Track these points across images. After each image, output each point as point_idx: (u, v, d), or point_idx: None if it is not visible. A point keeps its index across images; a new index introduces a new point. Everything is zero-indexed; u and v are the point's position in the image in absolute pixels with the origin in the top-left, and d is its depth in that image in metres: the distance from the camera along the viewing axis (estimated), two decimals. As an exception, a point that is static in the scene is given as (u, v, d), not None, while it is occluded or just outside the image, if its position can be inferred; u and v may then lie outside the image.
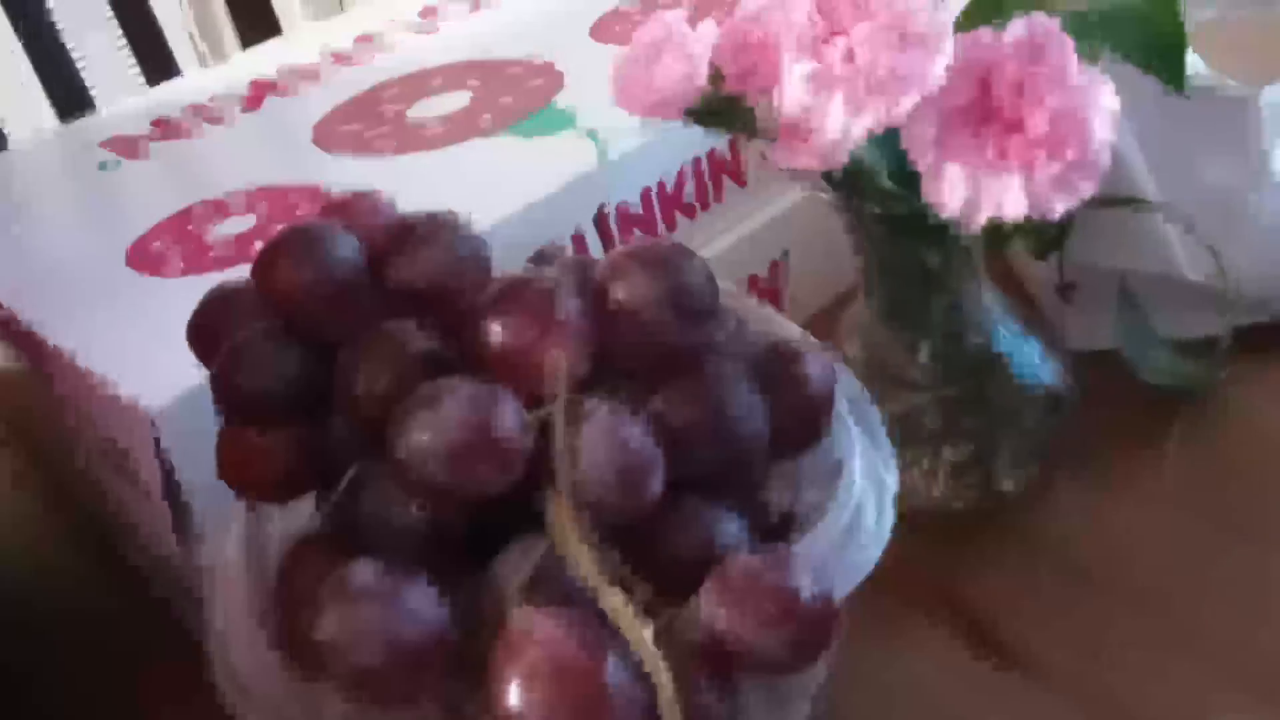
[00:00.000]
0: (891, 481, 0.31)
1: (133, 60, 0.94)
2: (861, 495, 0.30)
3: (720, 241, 0.51)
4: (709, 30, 0.32)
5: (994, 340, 0.40)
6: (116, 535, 0.49)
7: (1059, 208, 0.29)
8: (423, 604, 0.25)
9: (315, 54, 0.63)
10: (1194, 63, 0.42)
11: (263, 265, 0.31)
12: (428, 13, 0.66)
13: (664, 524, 0.28)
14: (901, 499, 0.40)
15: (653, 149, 0.47)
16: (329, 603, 0.24)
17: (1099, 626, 0.37)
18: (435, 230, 0.31)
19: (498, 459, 0.26)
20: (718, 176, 0.50)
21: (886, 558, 0.40)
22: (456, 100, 0.54)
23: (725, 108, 0.33)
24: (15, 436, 0.57)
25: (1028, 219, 0.41)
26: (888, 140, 0.35)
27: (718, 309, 0.29)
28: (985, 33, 0.29)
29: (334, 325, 0.31)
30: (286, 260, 0.31)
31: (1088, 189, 0.30)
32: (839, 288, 0.45)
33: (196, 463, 0.37)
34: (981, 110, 0.29)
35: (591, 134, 0.48)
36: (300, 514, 0.32)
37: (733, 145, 0.50)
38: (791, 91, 0.30)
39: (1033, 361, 0.40)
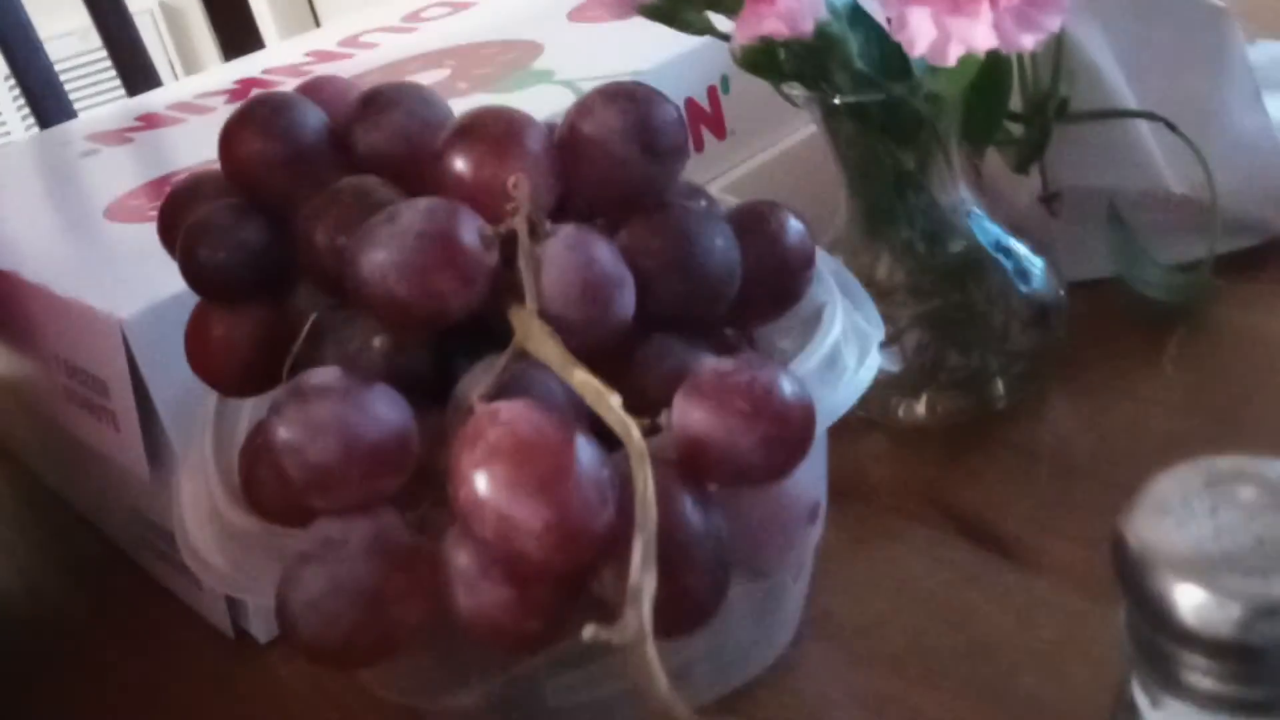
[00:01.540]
0: (875, 333, 0.30)
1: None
2: (840, 338, 0.29)
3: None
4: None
5: (976, 244, 0.39)
6: (91, 512, 0.48)
7: (1028, 41, 0.29)
8: (383, 404, 0.24)
9: (300, 56, 0.64)
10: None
11: (226, 135, 0.30)
12: (411, 17, 0.67)
13: (634, 356, 0.27)
14: (893, 415, 0.40)
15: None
16: (287, 401, 0.23)
17: (1095, 518, 0.36)
18: (398, 96, 0.31)
19: (459, 270, 0.25)
20: (696, 128, 0.50)
21: (877, 470, 0.40)
22: (435, 76, 0.55)
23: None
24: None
25: (1015, 141, 0.41)
26: (855, 17, 0.35)
27: (685, 148, 0.29)
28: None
29: (297, 195, 0.30)
30: (250, 129, 0.30)
31: (1053, 22, 0.29)
32: (822, 242, 0.45)
33: (166, 375, 0.37)
34: (942, -52, 0.29)
35: (568, 83, 0.48)
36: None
37: (712, 95, 0.49)
38: (753, -67, 0.29)
39: (1019, 266, 0.39)
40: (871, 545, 0.36)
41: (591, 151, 0.28)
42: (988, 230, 0.39)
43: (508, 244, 0.26)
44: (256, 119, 0.30)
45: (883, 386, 0.37)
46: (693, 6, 0.35)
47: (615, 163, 0.28)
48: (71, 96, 0.96)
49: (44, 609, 0.45)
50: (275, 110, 0.30)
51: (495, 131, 0.27)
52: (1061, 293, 0.39)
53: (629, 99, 0.28)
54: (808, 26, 0.32)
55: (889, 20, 0.31)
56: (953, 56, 0.29)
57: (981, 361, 0.40)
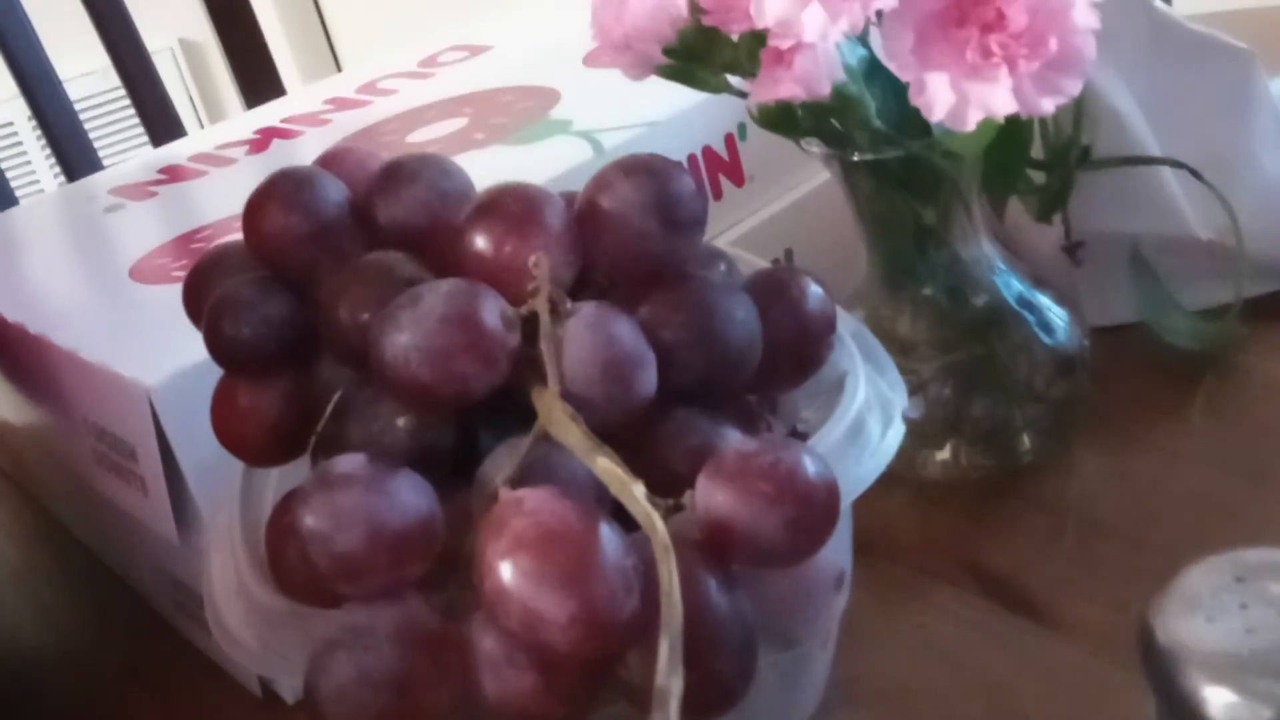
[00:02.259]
0: (899, 399, 0.30)
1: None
2: (864, 407, 0.29)
3: (718, 242, 0.50)
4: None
5: (999, 297, 0.39)
6: (122, 569, 0.48)
7: (1048, 105, 0.29)
8: (407, 492, 0.24)
9: (319, 103, 0.65)
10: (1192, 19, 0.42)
11: (250, 210, 0.31)
12: (427, 62, 0.68)
13: (655, 432, 0.27)
14: (921, 474, 0.40)
15: (647, 143, 0.47)
16: (313, 491, 0.23)
17: (1125, 579, 0.36)
18: (419, 169, 0.31)
19: (481, 352, 0.25)
20: (715, 175, 0.50)
21: (902, 526, 0.40)
22: (453, 125, 0.55)
23: (704, 41, 0.33)
24: (9, 484, 0.57)
25: (1037, 190, 0.41)
26: (873, 73, 0.35)
27: (704, 220, 0.29)
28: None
29: (320, 268, 0.30)
30: (273, 203, 0.31)
31: (1074, 86, 0.29)
32: (841, 289, 0.45)
33: (193, 441, 0.37)
34: (957, 13, 0.29)
35: (586, 134, 0.48)
36: (296, 477, 0.32)
37: (730, 142, 0.50)
38: (769, 2, 0.30)
39: (1043, 318, 0.39)
40: (898, 606, 0.36)
41: (611, 226, 0.28)
42: (1011, 283, 0.38)
43: (529, 323, 0.26)
44: (280, 194, 0.31)
45: (905, 437, 0.37)
46: (709, 69, 0.35)
47: (634, 237, 0.28)
48: (93, 135, 0.97)
49: (76, 663, 0.45)
50: (298, 185, 0.31)
51: (515, 210, 0.27)
52: (1086, 344, 0.39)
53: (647, 172, 0.28)
54: (825, 89, 0.32)
55: (907, 84, 0.31)
56: (972, 122, 0.29)
57: (1006, 414, 0.40)
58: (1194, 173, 0.39)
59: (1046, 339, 0.38)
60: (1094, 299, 0.40)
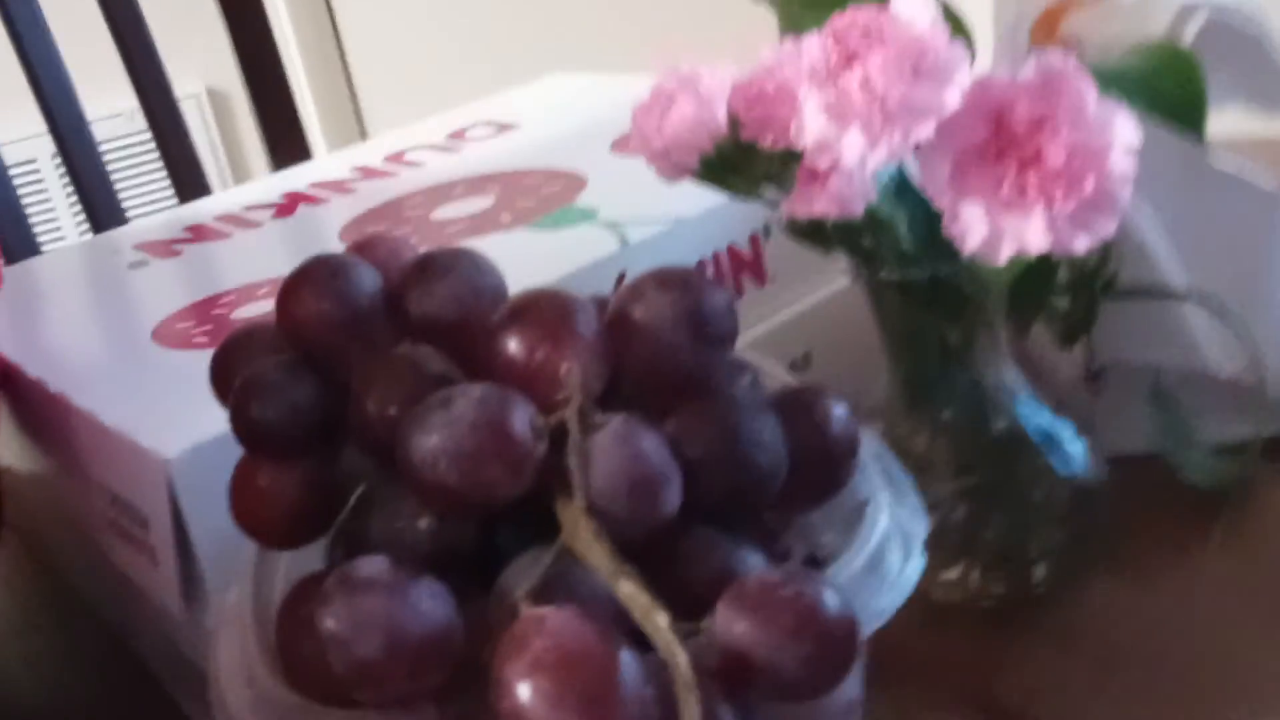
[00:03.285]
0: (919, 530, 0.30)
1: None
2: (885, 538, 0.29)
3: (738, 341, 0.50)
4: (725, 75, 0.33)
5: (1020, 422, 0.39)
6: (119, 628, 0.48)
7: (1080, 245, 0.29)
8: (428, 600, 0.24)
9: (347, 171, 0.65)
10: (1221, 154, 0.42)
11: (284, 294, 0.31)
12: (455, 135, 0.68)
13: (677, 550, 0.27)
14: (931, 594, 0.39)
15: (673, 239, 0.48)
16: (334, 593, 0.23)
17: (1140, 715, 0.35)
18: (453, 263, 0.31)
19: (509, 460, 0.25)
20: (738, 273, 0.50)
21: (915, 654, 0.39)
22: (478, 204, 0.56)
23: (741, 155, 0.33)
24: (14, 536, 0.56)
25: (1061, 316, 0.41)
26: (904, 190, 0.35)
27: (735, 336, 0.29)
28: (997, 76, 0.30)
29: (350, 356, 0.30)
30: (307, 289, 0.31)
31: (1108, 227, 0.30)
32: (859, 397, 0.45)
33: (208, 515, 0.37)
34: (996, 147, 0.30)
35: (612, 225, 0.49)
36: (308, 562, 0.32)
37: (754, 241, 0.50)
38: (809, 123, 0.30)
39: (1062, 447, 0.39)
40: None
41: (642, 337, 0.28)
42: (1031, 408, 0.39)
43: (557, 432, 0.26)
44: (314, 280, 0.31)
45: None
46: (743, 179, 0.36)
47: (665, 349, 0.28)
48: (116, 178, 0.98)
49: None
50: (333, 272, 0.31)
51: (549, 317, 0.27)
52: (1104, 474, 0.39)
53: (682, 286, 0.28)
54: (858, 209, 0.32)
55: (940, 211, 0.31)
56: (1004, 256, 0.30)
57: (1021, 541, 0.39)
58: (1218, 307, 0.40)
59: (1065, 467, 0.38)
60: (1113, 428, 0.40)
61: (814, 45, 0.31)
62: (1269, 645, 0.37)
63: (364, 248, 0.33)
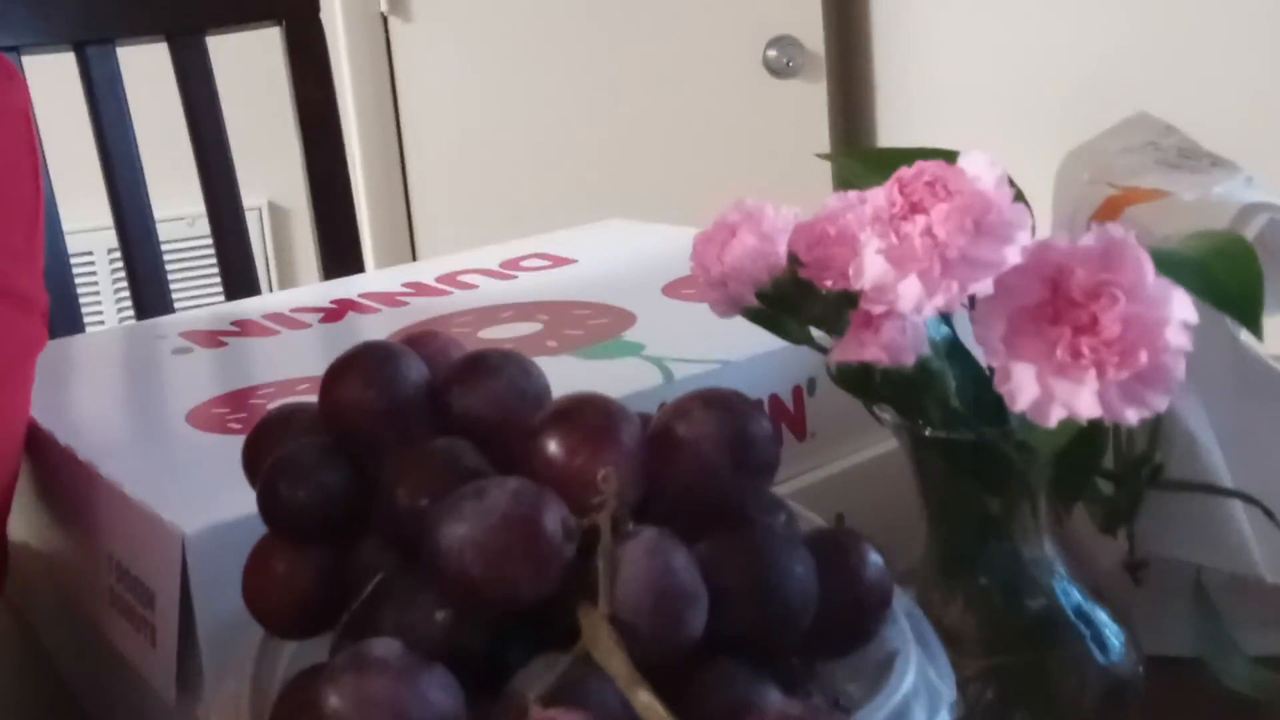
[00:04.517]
0: (947, 692, 0.29)
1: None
2: (911, 693, 0.28)
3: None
4: (788, 214, 0.33)
5: (1056, 604, 0.38)
6: (99, 713, 0.47)
7: (1131, 415, 0.29)
8: (438, 690, 0.23)
9: (398, 285, 0.66)
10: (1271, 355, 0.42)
11: (330, 376, 0.31)
12: (509, 264, 0.69)
13: (695, 680, 0.26)
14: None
15: (717, 379, 0.47)
16: (342, 670, 0.23)
17: None
18: (501, 364, 0.31)
19: (536, 558, 0.25)
20: (777, 425, 0.50)
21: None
22: (526, 328, 0.56)
23: (797, 293, 0.33)
24: (7, 613, 0.56)
25: (1104, 500, 0.40)
26: (953, 354, 0.35)
27: (775, 466, 0.29)
28: (1056, 240, 0.30)
29: (386, 446, 0.30)
30: (353, 374, 0.31)
31: (1160, 402, 0.29)
32: (894, 560, 0.44)
33: (216, 598, 0.36)
34: (1052, 311, 0.30)
35: (657, 360, 0.49)
36: (311, 659, 0.31)
37: (797, 394, 0.50)
38: (868, 266, 0.30)
39: (1099, 635, 0.38)
40: None
41: (683, 455, 0.28)
42: (1069, 591, 0.37)
43: (588, 537, 0.25)
44: (362, 366, 0.31)
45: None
46: (796, 320, 0.36)
47: (705, 471, 0.28)
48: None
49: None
50: (381, 361, 0.31)
51: (593, 422, 0.27)
52: (1140, 669, 0.37)
53: (727, 409, 0.28)
54: (909, 360, 0.32)
55: (990, 369, 0.31)
56: (1054, 418, 0.29)
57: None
58: (1268, 512, 0.39)
59: (1100, 657, 0.37)
60: (1151, 625, 0.39)
61: (879, 193, 0.31)
62: None
63: (415, 341, 0.33)
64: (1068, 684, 0.37)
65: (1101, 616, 0.37)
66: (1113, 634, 0.37)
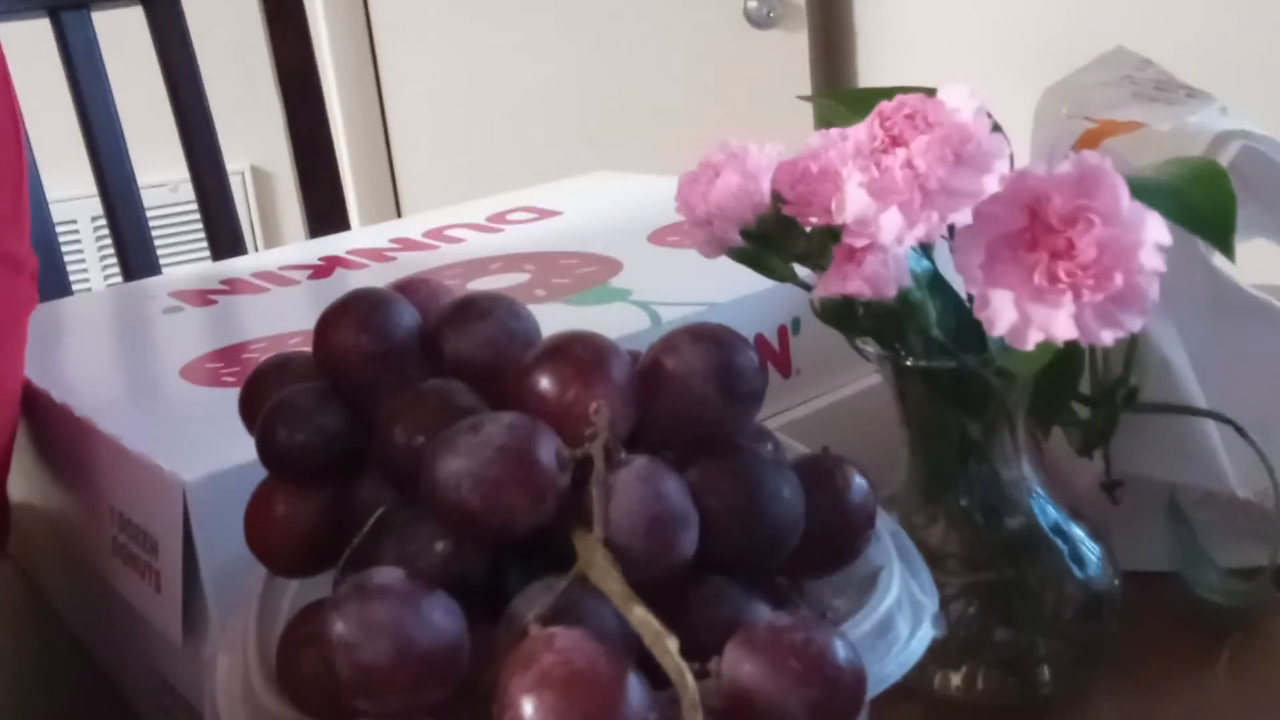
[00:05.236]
0: (929, 603, 0.30)
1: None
2: (894, 606, 0.29)
3: (759, 429, 0.51)
4: (772, 153, 0.34)
5: (1035, 522, 0.39)
6: (111, 668, 0.48)
7: (1106, 337, 0.30)
8: (440, 613, 0.24)
9: (385, 241, 0.67)
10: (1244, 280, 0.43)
11: (323, 323, 0.32)
12: (496, 218, 0.70)
13: (688, 597, 0.27)
14: (932, 687, 0.39)
15: (703, 320, 0.48)
16: (347, 597, 0.23)
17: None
18: (490, 307, 0.32)
19: (532, 488, 0.25)
20: (763, 364, 0.50)
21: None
22: (514, 279, 0.57)
23: (781, 230, 0.34)
24: (11, 565, 0.56)
25: (1081, 424, 0.41)
26: (933, 286, 0.36)
27: (762, 395, 0.29)
28: (1034, 168, 0.31)
29: (381, 389, 0.31)
30: (346, 320, 0.31)
31: (1135, 323, 0.30)
32: (878, 487, 0.45)
33: (218, 544, 0.37)
34: (1029, 237, 0.30)
35: (644, 304, 0.49)
36: (314, 596, 0.32)
37: (782, 334, 0.51)
38: (850, 199, 0.31)
39: (1076, 551, 0.39)
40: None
41: (672, 387, 0.28)
42: (1047, 510, 0.39)
43: (581, 467, 0.26)
44: (354, 312, 0.31)
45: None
46: (780, 256, 0.36)
47: (693, 401, 0.28)
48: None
49: None
50: (374, 306, 0.32)
51: (583, 357, 0.28)
52: (1116, 583, 0.38)
53: (714, 341, 0.29)
54: (891, 292, 0.33)
55: (969, 297, 0.32)
56: (1031, 342, 0.30)
57: (1029, 643, 0.39)
58: (1239, 430, 0.40)
59: (1078, 572, 0.38)
60: (1127, 542, 0.40)
61: (860, 129, 0.32)
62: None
63: (405, 287, 0.34)
64: (1047, 598, 0.38)
65: (1079, 534, 0.39)
66: (1090, 550, 0.38)
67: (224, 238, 1.03)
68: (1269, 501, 0.40)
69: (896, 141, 0.30)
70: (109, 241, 1.00)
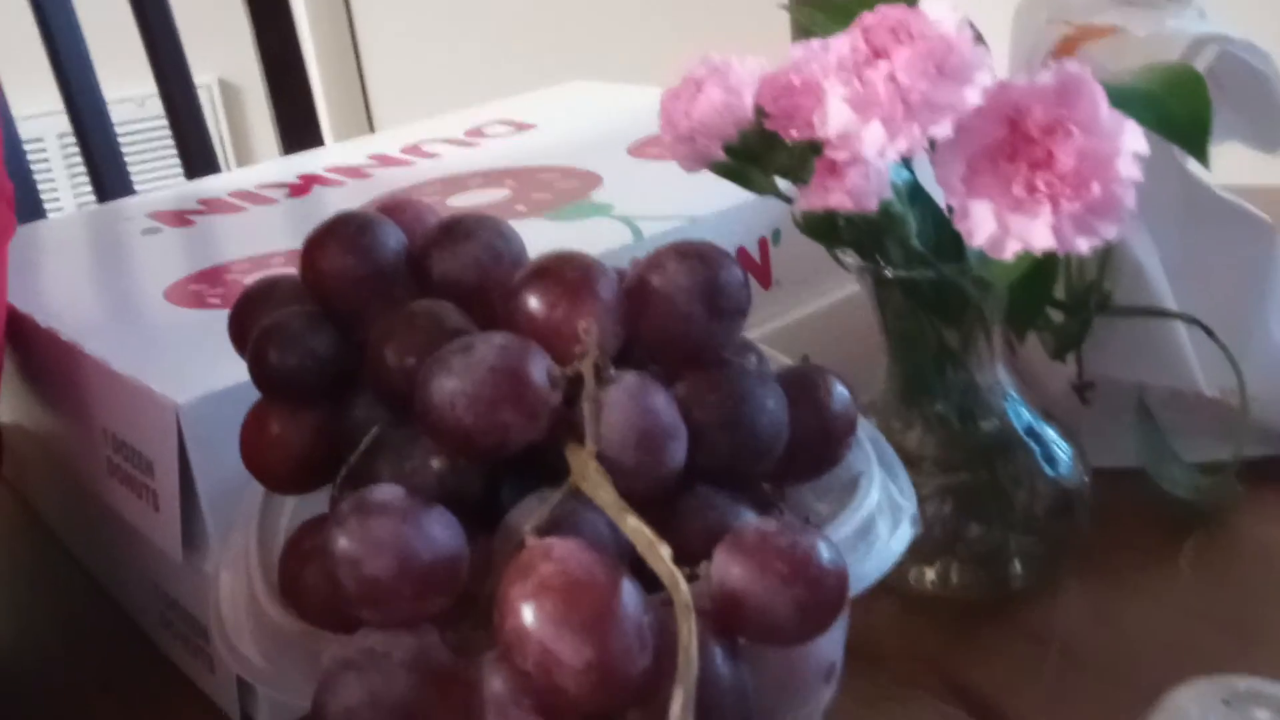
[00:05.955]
0: (908, 506, 0.31)
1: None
2: (875, 509, 0.30)
3: (740, 339, 0.52)
4: (754, 66, 0.34)
5: (1008, 424, 0.40)
6: (111, 585, 0.49)
7: (1083, 245, 0.31)
8: (439, 526, 0.25)
9: (363, 158, 0.66)
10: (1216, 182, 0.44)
11: (310, 247, 0.32)
12: (473, 132, 0.69)
13: (678, 506, 0.28)
14: (909, 583, 0.41)
15: (685, 236, 0.48)
16: (348, 514, 0.24)
17: (1101, 714, 0.36)
18: (477, 228, 0.32)
19: (525, 406, 0.26)
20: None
21: (887, 636, 0.40)
22: (494, 194, 0.57)
23: (763, 144, 0.34)
24: (6, 489, 0.57)
25: (1055, 328, 0.42)
26: (914, 198, 0.36)
27: (746, 310, 0.30)
28: (1015, 80, 0.31)
29: (370, 311, 0.31)
30: (333, 242, 0.32)
31: (1110, 231, 0.31)
32: (857, 393, 0.46)
33: (213, 462, 0.38)
34: (1009, 148, 0.31)
35: (626, 219, 0.50)
36: (312, 511, 0.32)
37: (763, 246, 0.51)
38: (832, 113, 0.31)
39: (1048, 451, 0.40)
40: (878, 710, 0.37)
41: (658, 304, 0.29)
42: (1020, 413, 0.40)
43: (572, 385, 0.27)
44: (341, 235, 0.32)
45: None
46: (762, 170, 0.37)
47: (679, 317, 0.29)
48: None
49: (51, 676, 0.45)
50: (360, 229, 0.32)
51: (571, 277, 0.28)
52: (1086, 481, 0.40)
53: (699, 258, 0.29)
54: (872, 205, 0.34)
55: (949, 208, 0.32)
56: (1010, 251, 0.31)
57: (1001, 539, 0.41)
58: (1207, 330, 0.41)
59: (1049, 471, 0.39)
60: (1098, 440, 0.41)
61: (842, 42, 0.32)
62: (1231, 652, 0.38)
63: (390, 209, 0.34)
64: (1019, 496, 0.40)
65: (1051, 434, 0.40)
66: (1061, 450, 0.40)
67: (196, 154, 1.02)
68: (1234, 399, 0.41)
69: (879, 54, 0.31)
70: (79, 159, 0.99)
